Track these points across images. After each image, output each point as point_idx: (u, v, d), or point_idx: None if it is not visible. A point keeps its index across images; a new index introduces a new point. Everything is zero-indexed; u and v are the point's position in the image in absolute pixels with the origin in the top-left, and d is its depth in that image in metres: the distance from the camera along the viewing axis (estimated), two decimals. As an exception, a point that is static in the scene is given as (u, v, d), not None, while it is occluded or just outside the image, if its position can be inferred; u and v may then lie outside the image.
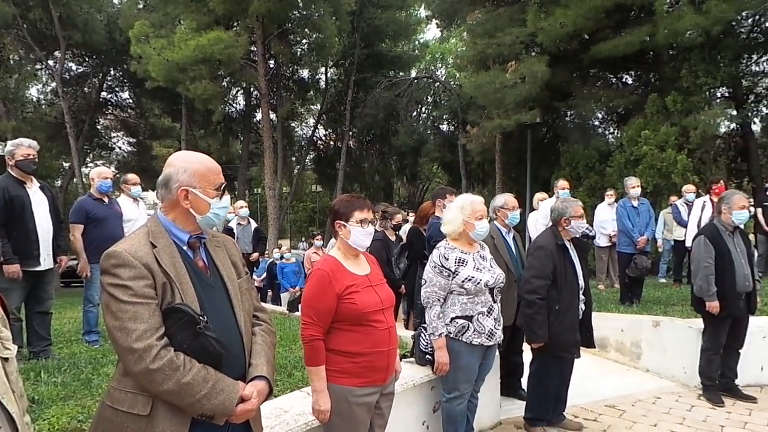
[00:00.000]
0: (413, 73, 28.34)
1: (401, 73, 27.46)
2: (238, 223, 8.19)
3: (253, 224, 8.43)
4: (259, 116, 25.26)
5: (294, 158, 31.06)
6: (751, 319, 4.64)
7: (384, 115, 26.29)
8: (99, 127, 28.19)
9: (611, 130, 19.27)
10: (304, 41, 23.07)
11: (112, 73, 25.77)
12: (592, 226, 8.11)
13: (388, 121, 27.45)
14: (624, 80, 17.87)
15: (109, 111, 27.93)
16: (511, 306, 4.11)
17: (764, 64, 16.53)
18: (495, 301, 3.36)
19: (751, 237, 9.41)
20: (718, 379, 4.61)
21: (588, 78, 16.69)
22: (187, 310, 1.62)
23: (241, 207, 8.38)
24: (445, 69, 32.04)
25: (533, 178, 15.75)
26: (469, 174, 24.62)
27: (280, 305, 9.88)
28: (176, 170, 1.76)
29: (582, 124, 18.18)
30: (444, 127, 29.82)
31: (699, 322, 4.71)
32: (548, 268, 3.67)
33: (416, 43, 29.75)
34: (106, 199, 5.20)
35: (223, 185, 1.84)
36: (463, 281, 3.21)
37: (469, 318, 3.24)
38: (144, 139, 28.94)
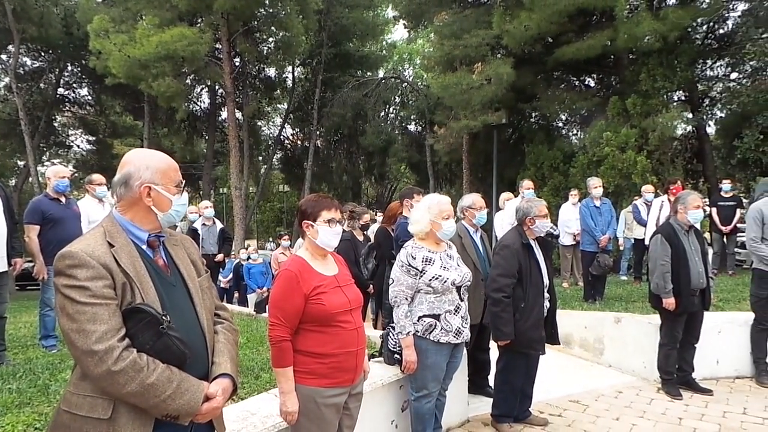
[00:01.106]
0: (381, 73, 28.42)
1: (369, 73, 27.50)
2: (203, 224, 8.04)
3: (219, 225, 8.29)
4: (224, 115, 24.90)
5: (261, 158, 30.73)
6: (707, 314, 4.81)
7: (352, 115, 26.28)
8: (56, 124, 27.26)
9: (574, 132, 19.76)
10: (270, 39, 22.84)
11: (69, 68, 24.95)
12: (556, 225, 8.29)
13: (355, 120, 27.46)
14: (586, 83, 18.33)
15: (67, 108, 27.03)
16: (479, 304, 4.15)
17: (718, 69, 17.24)
18: (462, 300, 3.39)
19: (707, 235, 9.80)
20: (676, 372, 4.77)
21: (552, 80, 17.05)
22: (149, 310, 1.58)
23: (206, 207, 8.22)
24: (412, 69, 32.27)
25: (499, 178, 15.98)
26: (436, 174, 24.84)
27: (247, 306, 9.75)
28: (137, 168, 1.73)
29: (546, 125, 18.56)
30: (411, 127, 30.03)
31: (658, 318, 4.86)
32: (514, 266, 3.72)
33: (384, 43, 29.86)
34: (63, 199, 5.03)
35: (183, 183, 1.84)
36: (430, 280, 3.23)
37: (437, 316, 3.26)
38: (104, 137, 28.10)
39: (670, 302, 4.49)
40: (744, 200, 9.83)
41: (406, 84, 27.99)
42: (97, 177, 5.71)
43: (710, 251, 9.12)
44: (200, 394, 1.64)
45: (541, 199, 4.10)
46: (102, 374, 1.50)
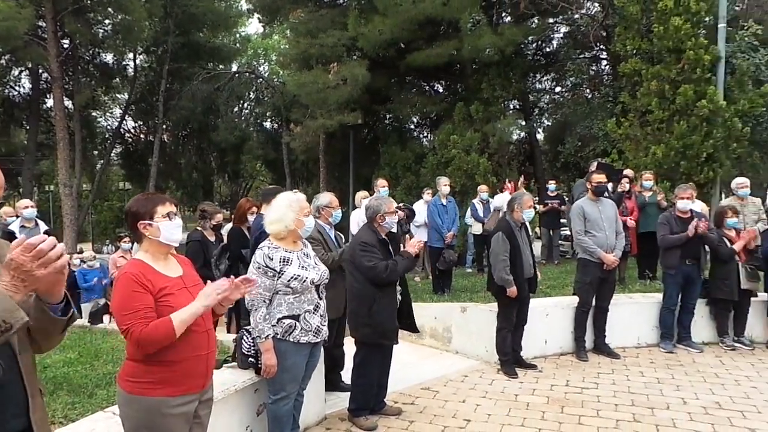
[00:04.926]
0: (234, 67, 27.35)
1: (221, 66, 26.28)
2: (22, 226, 6.99)
3: (43, 226, 7.28)
4: (50, 102, 22.02)
5: (96, 152, 27.77)
6: (537, 300, 5.42)
7: (202, 109, 24.91)
8: None
9: (425, 134, 20.89)
10: (107, 22, 20.68)
11: None
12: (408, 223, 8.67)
13: (207, 115, 26.07)
14: (436, 89, 19.47)
15: None
16: (339, 298, 4.19)
17: (545, 82, 19.58)
18: (321, 298, 3.37)
19: (537, 230, 11.01)
20: (511, 353, 5.28)
21: (404, 84, 17.83)
22: None
23: (26, 207, 7.16)
24: (268, 65, 31.47)
25: (356, 177, 16.30)
26: (293, 172, 24.59)
27: (81, 317, 8.71)
28: None
29: (399, 127, 19.35)
30: (267, 124, 29.39)
31: (497, 306, 5.33)
32: (378, 257, 3.84)
33: (237, 36, 28.71)
34: None
35: None
36: (288, 280, 3.17)
37: (296, 317, 3.21)
38: None
39: (513, 291, 4.95)
40: (566, 199, 11.18)
41: (261, 80, 27.27)
42: None
43: (540, 243, 10.28)
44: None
45: (389, 197, 4.27)
46: None
